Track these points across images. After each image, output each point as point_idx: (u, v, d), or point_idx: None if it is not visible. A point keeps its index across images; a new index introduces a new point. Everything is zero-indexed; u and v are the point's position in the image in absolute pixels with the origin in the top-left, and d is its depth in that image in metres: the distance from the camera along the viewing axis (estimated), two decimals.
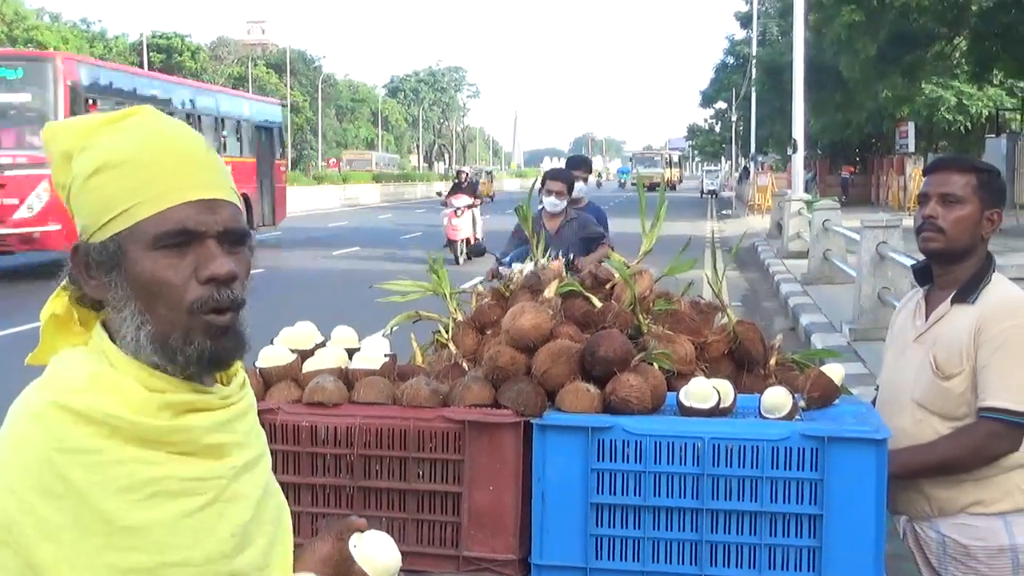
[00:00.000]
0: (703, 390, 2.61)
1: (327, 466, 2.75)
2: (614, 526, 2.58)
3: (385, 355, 2.98)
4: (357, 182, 64.65)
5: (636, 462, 2.55)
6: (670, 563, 2.55)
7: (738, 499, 2.51)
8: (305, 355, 2.98)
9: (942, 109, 37.73)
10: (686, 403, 2.62)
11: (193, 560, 1.34)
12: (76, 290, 1.44)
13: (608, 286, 3.13)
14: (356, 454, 2.72)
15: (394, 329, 3.44)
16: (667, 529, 2.55)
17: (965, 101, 37.61)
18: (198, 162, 1.41)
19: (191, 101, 24.52)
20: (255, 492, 1.48)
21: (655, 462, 2.54)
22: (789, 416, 2.59)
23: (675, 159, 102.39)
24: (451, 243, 21.43)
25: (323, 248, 25.67)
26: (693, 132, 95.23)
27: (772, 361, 3.09)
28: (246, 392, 1.54)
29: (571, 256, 6.13)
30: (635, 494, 2.55)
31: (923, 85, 33.44)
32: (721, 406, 2.62)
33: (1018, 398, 2.76)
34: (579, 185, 7.43)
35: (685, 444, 2.53)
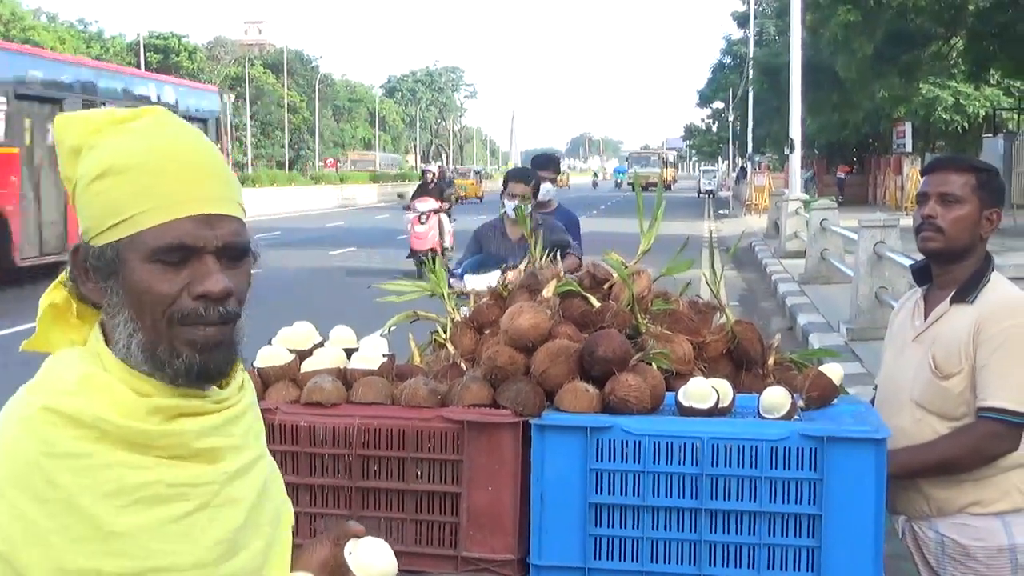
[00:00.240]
0: (702, 390, 2.61)
1: (325, 466, 2.75)
2: (613, 526, 2.58)
3: (383, 355, 2.98)
4: (354, 182, 64.64)
5: (635, 462, 2.55)
6: (669, 563, 2.55)
7: (737, 499, 2.51)
8: (303, 355, 2.98)
9: (939, 109, 37.72)
10: (685, 403, 2.62)
11: (181, 565, 1.33)
12: (75, 288, 1.44)
13: (606, 286, 3.13)
14: (354, 454, 2.71)
15: (392, 329, 3.43)
16: (666, 529, 2.55)
17: (962, 101, 37.61)
18: (204, 174, 1.40)
19: (90, 84, 20.37)
20: (250, 496, 1.47)
21: (654, 462, 2.54)
22: (788, 416, 2.58)
23: (670, 159, 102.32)
24: (414, 254, 18.38)
25: (321, 248, 25.66)
26: (690, 132, 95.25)
27: (770, 361, 3.09)
28: (244, 394, 1.53)
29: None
30: (634, 494, 2.55)
31: (920, 85, 33.45)
32: (720, 406, 2.62)
33: (1017, 398, 2.76)
34: (546, 187, 6.73)
35: (684, 444, 2.52)
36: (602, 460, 2.56)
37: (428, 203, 19.01)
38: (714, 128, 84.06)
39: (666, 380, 2.78)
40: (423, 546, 2.70)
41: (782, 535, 2.50)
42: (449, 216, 19.86)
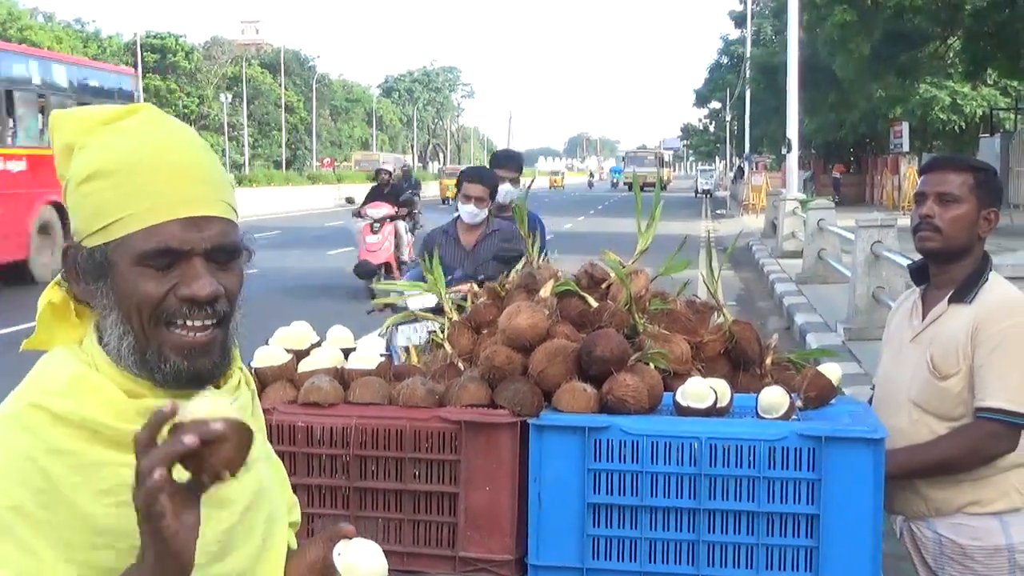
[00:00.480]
0: (699, 390, 2.60)
1: (323, 467, 2.74)
2: (611, 526, 2.57)
3: (381, 355, 2.98)
4: (351, 182, 64.58)
5: (633, 462, 2.54)
6: (667, 563, 2.55)
7: (735, 499, 2.51)
8: (300, 355, 2.97)
9: (936, 109, 37.75)
10: (683, 403, 2.61)
11: None
12: (68, 288, 1.44)
13: (604, 286, 3.12)
14: (352, 454, 2.71)
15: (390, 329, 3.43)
16: (664, 529, 2.54)
17: (959, 101, 37.65)
18: (193, 175, 1.39)
19: None
20: (244, 498, 1.47)
21: (652, 462, 2.53)
22: (786, 416, 2.58)
23: (667, 158, 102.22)
24: (363, 266, 15.38)
25: (318, 248, 25.63)
26: (688, 132, 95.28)
27: (768, 361, 3.09)
28: (240, 395, 1.53)
29: (481, 279, 4.70)
30: (632, 494, 2.55)
31: (917, 85, 33.48)
32: (718, 406, 2.62)
33: (1015, 398, 2.76)
34: (506, 188, 6.01)
35: (682, 444, 2.52)
36: (600, 460, 2.56)
37: (381, 209, 15.87)
38: (711, 128, 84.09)
39: (664, 380, 2.77)
40: (421, 546, 2.70)
41: (780, 535, 2.49)
42: (412, 223, 17.21)
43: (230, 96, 77.90)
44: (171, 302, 1.36)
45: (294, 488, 2.71)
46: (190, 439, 1.20)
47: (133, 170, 1.36)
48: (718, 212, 41.94)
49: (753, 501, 2.49)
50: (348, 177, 65.90)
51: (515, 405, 2.62)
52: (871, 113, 37.41)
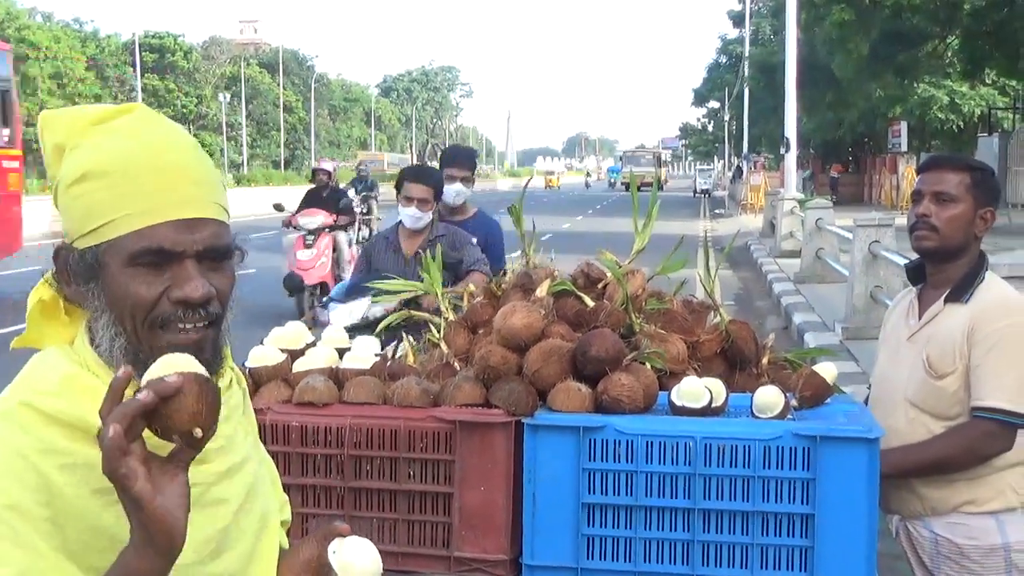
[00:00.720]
0: (695, 389, 2.60)
1: (317, 467, 2.73)
2: (605, 526, 2.57)
3: (376, 355, 2.97)
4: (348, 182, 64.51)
5: (628, 462, 2.54)
6: (662, 563, 2.54)
7: (730, 499, 2.50)
8: (295, 355, 2.97)
9: (935, 108, 37.81)
10: (678, 402, 2.61)
11: None
12: (58, 288, 1.44)
13: (600, 285, 3.12)
14: (346, 454, 2.70)
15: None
16: (659, 529, 2.54)
17: (957, 100, 37.69)
18: (184, 176, 1.39)
19: None
20: (236, 498, 1.47)
21: (647, 462, 2.53)
22: (781, 415, 2.57)
23: (664, 158, 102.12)
24: (292, 281, 12.92)
25: None
26: (686, 131, 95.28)
27: (765, 360, 3.08)
28: (232, 394, 1.52)
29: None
30: (627, 494, 2.54)
31: (916, 84, 33.51)
32: (713, 405, 2.61)
33: (1012, 398, 2.75)
34: (456, 188, 5.37)
35: (677, 443, 2.51)
36: (595, 460, 2.55)
37: (316, 218, 13.16)
38: (710, 127, 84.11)
39: (660, 380, 2.77)
40: (415, 546, 2.69)
41: (775, 535, 2.49)
42: (366, 231, 14.96)
43: (228, 96, 77.86)
44: (165, 306, 1.36)
45: (289, 488, 2.72)
46: (144, 394, 1.19)
47: (126, 171, 1.36)
48: (717, 212, 41.95)
49: (748, 501, 2.49)
50: (345, 176, 65.84)
51: (510, 405, 2.61)
52: (869, 112, 37.46)
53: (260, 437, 1.72)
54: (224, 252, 1.41)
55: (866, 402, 3.12)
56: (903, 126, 38.81)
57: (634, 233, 3.18)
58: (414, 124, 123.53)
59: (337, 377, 2.84)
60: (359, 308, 3.87)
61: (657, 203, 3.24)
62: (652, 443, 2.52)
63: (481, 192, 62.17)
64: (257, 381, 2.87)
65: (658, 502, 2.53)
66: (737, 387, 2.89)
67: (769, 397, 2.60)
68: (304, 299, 12.77)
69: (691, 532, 2.52)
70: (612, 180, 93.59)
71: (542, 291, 2.96)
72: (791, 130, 22.96)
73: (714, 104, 76.05)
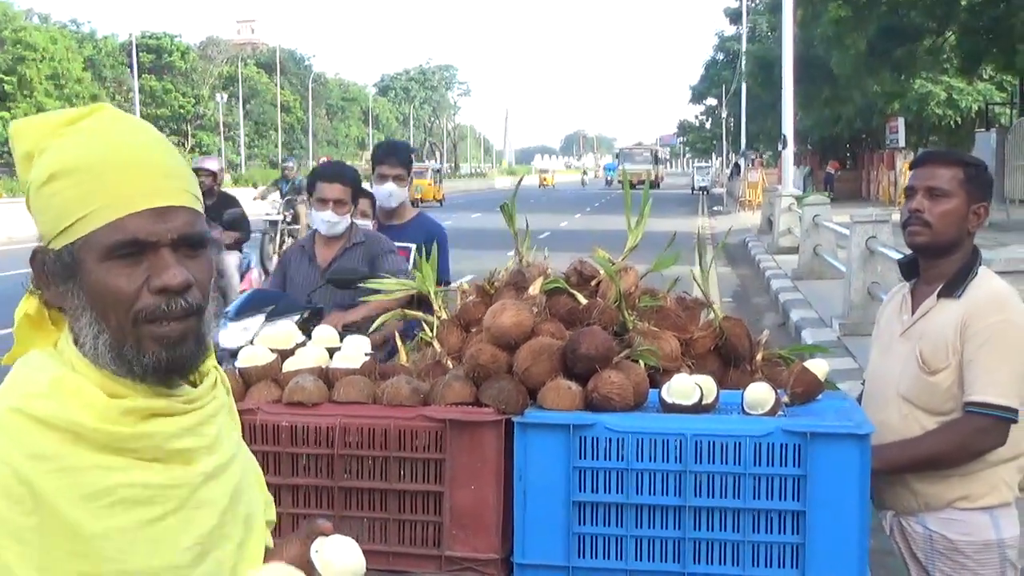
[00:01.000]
0: (685, 387, 2.59)
1: (307, 466, 2.73)
2: (596, 524, 2.56)
3: (366, 354, 2.96)
4: None
5: (618, 459, 2.53)
6: (653, 561, 2.53)
7: (721, 496, 2.49)
8: (285, 354, 2.96)
9: (932, 104, 37.76)
10: (668, 400, 2.60)
11: (154, 568, 1.32)
12: (40, 294, 1.43)
13: (593, 283, 3.10)
14: (337, 454, 2.69)
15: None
16: (650, 527, 2.53)
17: (955, 96, 37.65)
18: (152, 168, 1.38)
19: None
20: (222, 499, 1.46)
21: (637, 459, 2.52)
22: (772, 412, 2.57)
23: (661, 155, 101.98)
24: None
25: None
26: (684, 128, 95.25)
27: (759, 357, 3.07)
28: (217, 392, 1.51)
29: (315, 307, 4.07)
30: (617, 492, 2.53)
31: (913, 80, 33.50)
32: (704, 402, 2.60)
33: (1004, 393, 2.75)
34: (388, 188, 4.80)
35: (667, 441, 2.50)
36: (585, 458, 2.55)
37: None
38: (707, 124, 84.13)
39: (653, 377, 2.76)
40: (406, 546, 2.68)
41: (766, 532, 2.48)
42: (280, 245, 12.79)
43: (226, 96, 77.86)
44: (147, 299, 1.35)
45: (279, 488, 2.71)
46: None
47: (92, 167, 1.35)
48: (715, 209, 41.96)
49: (739, 498, 2.48)
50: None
51: (500, 403, 2.60)
52: (867, 108, 37.41)
53: (250, 437, 1.71)
54: (199, 240, 1.40)
55: (859, 398, 3.11)
56: (900, 122, 38.76)
57: (627, 230, 3.17)
58: (412, 123, 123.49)
59: (327, 377, 2.83)
60: (254, 324, 3.63)
61: (650, 201, 3.23)
62: (642, 441, 2.51)
63: (479, 191, 62.18)
64: (247, 381, 2.86)
65: (649, 500, 2.52)
66: (731, 384, 2.88)
67: (759, 394, 2.59)
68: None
69: (682, 530, 2.51)
70: (609, 178, 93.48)
71: (535, 289, 2.94)
72: (788, 127, 22.94)
73: (712, 101, 76.11)
